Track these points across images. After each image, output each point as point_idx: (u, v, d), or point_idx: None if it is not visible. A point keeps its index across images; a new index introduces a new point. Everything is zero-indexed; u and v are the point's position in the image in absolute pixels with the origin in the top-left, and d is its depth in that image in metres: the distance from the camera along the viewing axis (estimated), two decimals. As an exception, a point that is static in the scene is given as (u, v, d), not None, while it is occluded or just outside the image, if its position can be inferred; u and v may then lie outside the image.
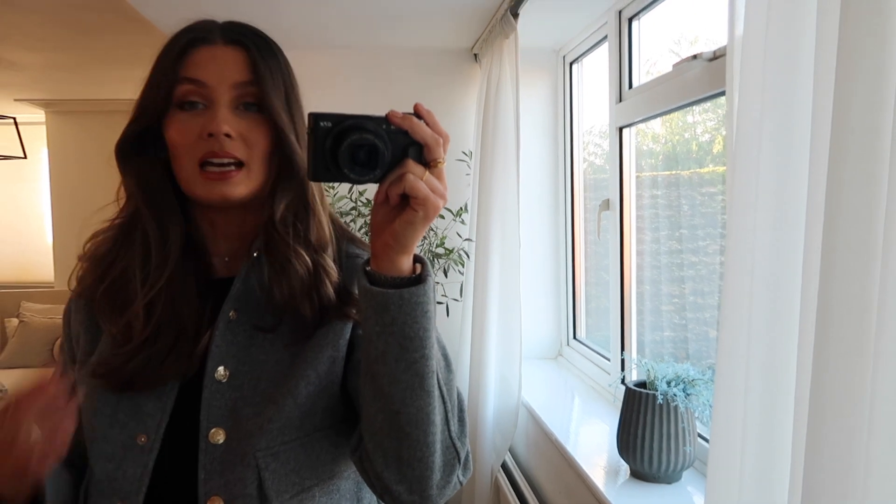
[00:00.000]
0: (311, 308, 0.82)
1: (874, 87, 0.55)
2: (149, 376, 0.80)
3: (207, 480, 0.78)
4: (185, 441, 0.79)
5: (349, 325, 0.84)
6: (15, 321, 4.32)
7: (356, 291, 0.84)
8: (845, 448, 0.53)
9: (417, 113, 0.66)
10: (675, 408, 1.31)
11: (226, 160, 0.78)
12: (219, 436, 0.79)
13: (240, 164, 0.79)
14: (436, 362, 0.71)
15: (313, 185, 0.86)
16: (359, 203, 2.31)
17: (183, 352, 0.81)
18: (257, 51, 0.81)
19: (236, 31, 0.82)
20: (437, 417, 0.71)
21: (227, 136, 0.77)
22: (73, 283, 0.87)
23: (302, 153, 0.82)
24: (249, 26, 0.85)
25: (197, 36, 0.81)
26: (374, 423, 0.72)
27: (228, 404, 0.80)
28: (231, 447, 0.79)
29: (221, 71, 0.79)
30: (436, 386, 0.71)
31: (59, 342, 0.87)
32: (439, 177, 0.66)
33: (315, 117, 0.64)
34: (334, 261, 0.86)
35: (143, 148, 0.81)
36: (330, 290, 0.83)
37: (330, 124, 0.64)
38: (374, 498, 0.90)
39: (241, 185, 0.79)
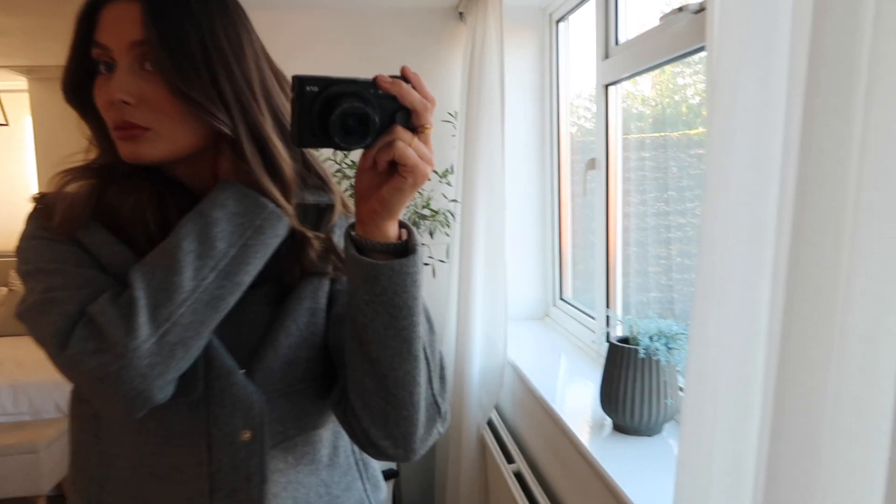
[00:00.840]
0: (292, 275, 0.82)
1: (849, 40, 0.55)
2: None
3: None
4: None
5: (329, 276, 0.84)
6: (4, 290, 4.30)
7: (338, 247, 0.85)
8: (814, 394, 0.54)
9: (405, 76, 0.66)
10: (657, 362, 1.33)
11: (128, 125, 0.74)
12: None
13: (145, 129, 0.74)
14: (422, 328, 0.72)
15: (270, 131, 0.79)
16: (343, 165, 2.29)
17: None
18: (153, 3, 0.72)
19: None
20: (423, 379, 0.73)
21: (125, 102, 0.73)
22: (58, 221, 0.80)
23: (219, 113, 0.74)
24: None
25: None
26: (360, 383, 0.74)
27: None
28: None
29: (119, 31, 0.73)
30: (422, 350, 0.73)
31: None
32: (427, 142, 0.66)
33: (300, 81, 0.63)
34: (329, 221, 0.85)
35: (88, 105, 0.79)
36: (313, 254, 0.82)
37: (317, 89, 0.63)
38: (348, 444, 0.92)
39: (151, 147, 0.75)
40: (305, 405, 0.84)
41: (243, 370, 0.79)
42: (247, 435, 0.77)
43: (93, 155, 0.84)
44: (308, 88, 0.62)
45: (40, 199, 0.83)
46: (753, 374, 0.66)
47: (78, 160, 0.84)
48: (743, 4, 0.69)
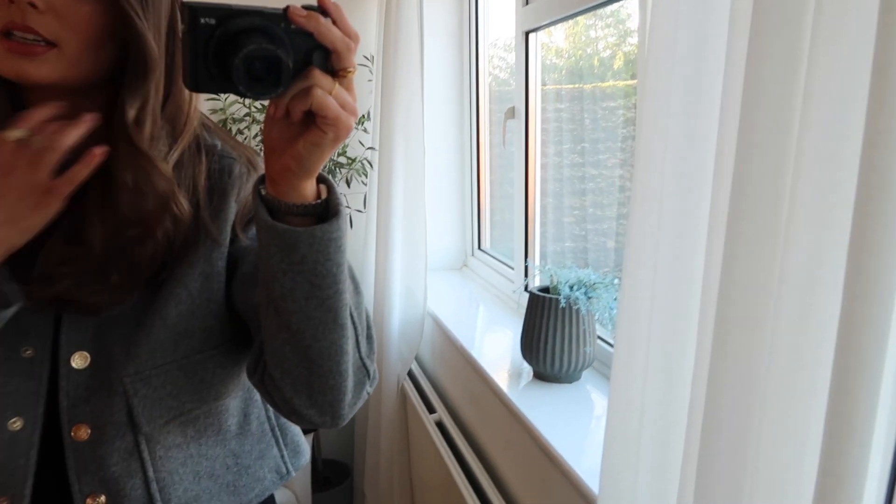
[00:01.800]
0: (163, 233, 0.71)
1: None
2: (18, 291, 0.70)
3: (71, 407, 0.72)
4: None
5: (225, 236, 0.75)
6: None
7: (233, 205, 0.76)
8: (751, 343, 0.55)
9: (323, 8, 0.55)
10: (577, 311, 1.35)
11: (29, 36, 0.62)
12: (82, 360, 0.72)
13: (50, 45, 0.63)
14: (348, 293, 0.65)
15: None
16: (253, 109, 2.16)
17: (22, 286, 0.71)
18: None
19: None
20: (349, 345, 0.67)
21: (32, 5, 0.61)
22: None
23: (151, 44, 0.67)
24: None
25: None
26: (280, 353, 0.67)
27: (91, 326, 0.72)
28: (96, 373, 0.72)
29: None
30: (348, 317, 0.66)
31: None
32: (349, 88, 0.57)
33: (192, 10, 0.52)
34: (207, 168, 0.75)
35: None
36: (184, 214, 0.72)
37: (213, 21, 0.52)
38: (262, 410, 0.87)
39: (47, 67, 0.63)
40: (205, 376, 0.77)
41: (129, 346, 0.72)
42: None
43: None
44: (203, 20, 0.52)
45: None
46: (687, 323, 0.66)
47: None
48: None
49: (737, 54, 0.58)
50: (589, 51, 1.86)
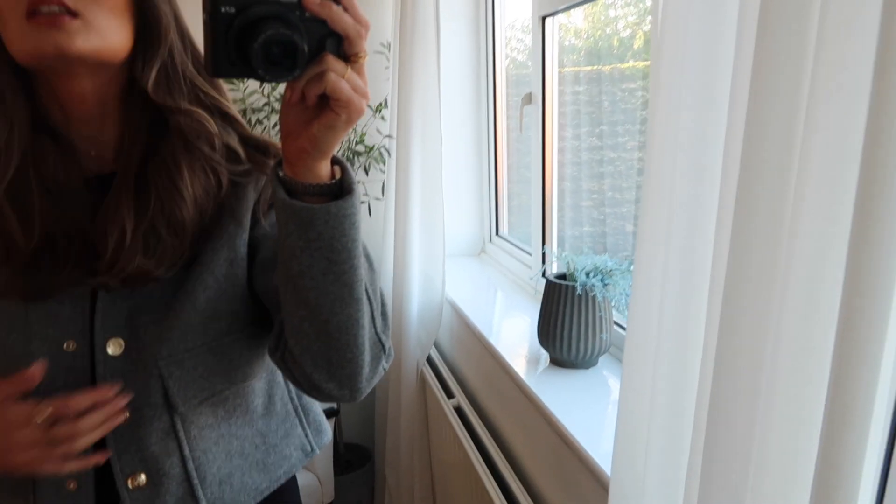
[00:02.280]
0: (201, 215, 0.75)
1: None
2: (57, 283, 0.73)
3: None
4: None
5: (247, 223, 0.79)
6: None
7: (251, 192, 0.79)
8: (758, 331, 0.55)
9: None
10: (593, 297, 1.36)
11: (55, 7, 0.63)
12: (117, 347, 0.75)
13: (73, 15, 0.65)
14: (363, 269, 0.68)
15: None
16: (272, 99, 2.18)
17: (84, 255, 0.75)
18: None
19: None
20: (366, 320, 0.70)
21: None
22: None
23: (166, 10, 0.71)
24: None
25: None
26: (299, 329, 0.70)
27: (123, 313, 0.75)
28: (131, 357, 0.75)
29: None
30: (363, 291, 0.68)
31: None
32: (360, 73, 0.60)
33: (214, 0, 0.55)
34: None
35: None
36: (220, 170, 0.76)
37: (233, 10, 0.55)
38: (285, 391, 0.90)
39: (80, 38, 0.65)
40: (233, 357, 0.80)
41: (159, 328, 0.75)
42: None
43: None
44: (223, 9, 0.55)
45: None
46: (697, 310, 0.67)
47: None
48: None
49: (746, 41, 0.58)
50: (608, 31, 1.84)
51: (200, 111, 0.75)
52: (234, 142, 0.79)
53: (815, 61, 0.51)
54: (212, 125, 0.76)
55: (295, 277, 0.66)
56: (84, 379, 0.75)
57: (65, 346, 0.75)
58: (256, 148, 0.81)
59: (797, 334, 0.51)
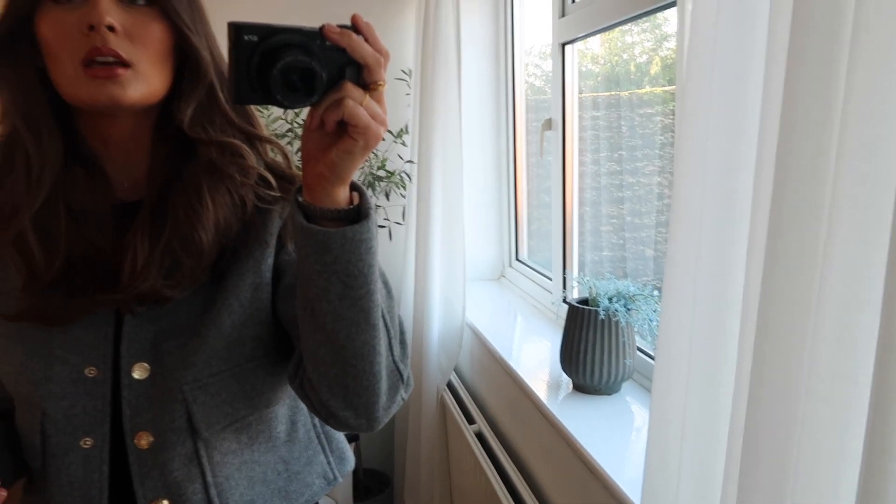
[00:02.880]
0: (223, 240, 0.77)
1: (832, 4, 0.54)
2: (75, 308, 0.74)
3: (134, 416, 0.76)
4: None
5: (272, 249, 0.80)
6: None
7: (276, 219, 0.81)
8: (791, 359, 0.55)
9: (356, 26, 0.60)
10: (616, 323, 1.35)
11: (110, 58, 0.68)
12: (143, 371, 0.76)
13: (125, 66, 0.69)
14: (380, 294, 0.68)
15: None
16: (295, 125, 2.22)
17: (107, 281, 0.76)
18: None
19: None
20: (382, 347, 0.70)
21: (111, 29, 0.67)
22: None
23: (206, 55, 0.74)
24: None
25: None
26: (316, 355, 0.70)
27: (149, 338, 0.76)
28: (156, 382, 0.76)
29: None
30: (380, 317, 0.69)
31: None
32: (379, 100, 0.61)
33: (237, 29, 0.56)
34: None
35: (14, 55, 0.71)
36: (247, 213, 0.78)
37: (256, 38, 0.57)
38: (307, 418, 0.90)
39: (131, 88, 0.70)
40: (256, 383, 0.81)
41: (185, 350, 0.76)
42: None
43: None
44: (246, 38, 0.57)
45: None
46: (727, 338, 0.67)
47: None
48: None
49: (776, 63, 0.59)
50: (625, 56, 1.85)
51: (233, 141, 0.78)
52: (263, 168, 0.81)
53: (846, 88, 0.51)
54: (246, 152, 0.78)
55: (312, 301, 0.67)
56: (104, 404, 0.76)
57: (86, 371, 0.76)
58: (282, 177, 0.82)
59: (833, 360, 0.51)
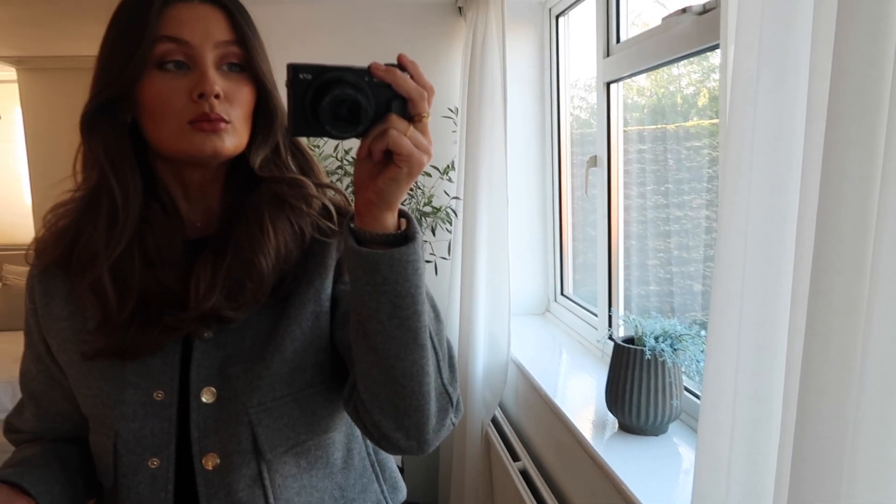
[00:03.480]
0: (282, 267, 0.82)
1: (873, 40, 0.54)
2: (147, 343, 0.80)
3: (202, 438, 0.80)
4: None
5: (330, 279, 0.84)
6: (-1, 284, 4.28)
7: (333, 251, 0.85)
8: (836, 402, 0.54)
9: (401, 64, 0.65)
10: (663, 363, 1.33)
11: (214, 115, 0.77)
12: (210, 395, 0.80)
13: (226, 122, 0.78)
14: (427, 316, 0.71)
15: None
16: (345, 162, 2.28)
17: (176, 315, 0.80)
18: (235, 9, 0.80)
19: None
20: (431, 368, 0.72)
21: (217, 96, 0.76)
22: (32, 257, 0.87)
23: (283, 107, 0.82)
24: None
25: None
26: (368, 376, 0.73)
27: (216, 363, 0.81)
28: (223, 405, 0.80)
29: (205, 30, 0.77)
30: (428, 338, 0.71)
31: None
32: (424, 132, 0.65)
33: (294, 69, 0.62)
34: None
35: (114, 111, 0.79)
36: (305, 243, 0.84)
37: (310, 77, 0.62)
38: (362, 446, 0.92)
39: (229, 141, 0.78)
40: (316, 409, 0.84)
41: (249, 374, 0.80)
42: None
43: (80, 179, 0.84)
44: (301, 76, 0.62)
45: (34, 246, 0.87)
46: (773, 380, 0.66)
47: (66, 190, 0.85)
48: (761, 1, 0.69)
49: (818, 96, 0.59)
50: (672, 88, 1.85)
51: (299, 177, 0.85)
52: (327, 200, 0.86)
53: (890, 117, 0.51)
54: (310, 188, 0.85)
55: (364, 323, 0.71)
56: (170, 426, 0.81)
57: (154, 395, 0.81)
58: (340, 213, 0.87)
59: (880, 404, 0.50)
